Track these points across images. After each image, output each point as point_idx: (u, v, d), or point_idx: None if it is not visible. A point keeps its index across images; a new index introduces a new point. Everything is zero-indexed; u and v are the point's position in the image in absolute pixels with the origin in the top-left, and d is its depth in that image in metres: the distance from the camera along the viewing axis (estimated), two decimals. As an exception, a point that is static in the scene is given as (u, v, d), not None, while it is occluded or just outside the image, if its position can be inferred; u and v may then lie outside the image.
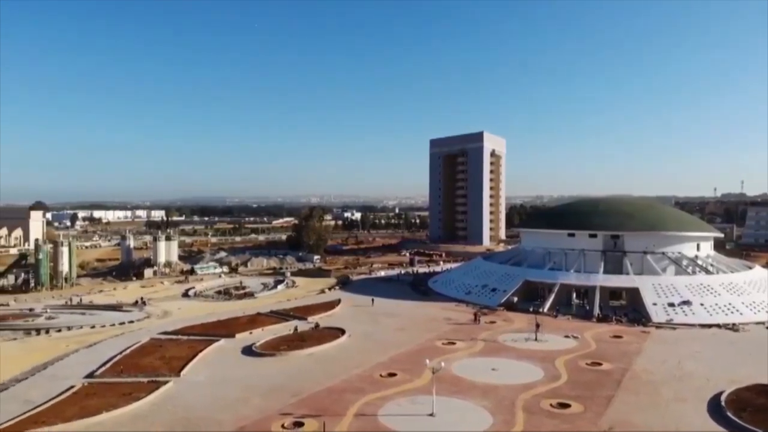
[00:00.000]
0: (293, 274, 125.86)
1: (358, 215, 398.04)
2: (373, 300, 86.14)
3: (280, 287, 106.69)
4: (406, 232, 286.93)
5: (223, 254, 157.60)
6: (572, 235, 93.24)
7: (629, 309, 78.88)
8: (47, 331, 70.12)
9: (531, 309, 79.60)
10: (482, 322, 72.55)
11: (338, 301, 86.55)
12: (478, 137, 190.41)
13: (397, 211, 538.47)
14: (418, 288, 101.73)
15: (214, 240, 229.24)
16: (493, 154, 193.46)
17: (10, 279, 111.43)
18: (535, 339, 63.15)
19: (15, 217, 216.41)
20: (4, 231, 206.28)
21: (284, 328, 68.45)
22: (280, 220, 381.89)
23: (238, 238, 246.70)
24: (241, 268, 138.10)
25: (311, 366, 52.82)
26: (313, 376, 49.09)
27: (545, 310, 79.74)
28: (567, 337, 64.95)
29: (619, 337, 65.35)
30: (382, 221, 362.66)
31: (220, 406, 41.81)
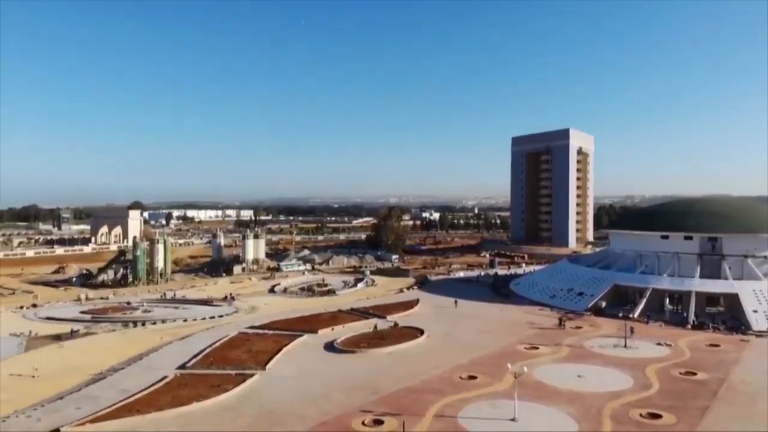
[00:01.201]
0: (372, 272, 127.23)
1: (436, 215, 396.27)
2: (456, 302, 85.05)
3: (360, 285, 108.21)
4: (486, 233, 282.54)
5: (306, 252, 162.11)
6: (666, 237, 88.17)
7: (727, 316, 73.83)
8: (143, 324, 74.79)
9: (620, 314, 76.01)
10: (567, 327, 70.10)
11: (417, 301, 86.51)
12: (564, 134, 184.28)
13: (476, 211, 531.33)
14: (499, 290, 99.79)
15: (298, 238, 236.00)
16: (580, 151, 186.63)
17: (110, 274, 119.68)
18: (625, 346, 60.17)
19: (115, 216, 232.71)
20: (105, 229, 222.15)
21: (364, 326, 69.28)
22: (360, 220, 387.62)
23: (320, 237, 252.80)
24: (323, 266, 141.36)
25: (390, 364, 53.06)
26: (392, 375, 49.28)
27: (635, 315, 75.92)
28: (659, 344, 61.53)
29: (716, 345, 61.13)
30: (461, 221, 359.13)
31: (303, 401, 42.84)
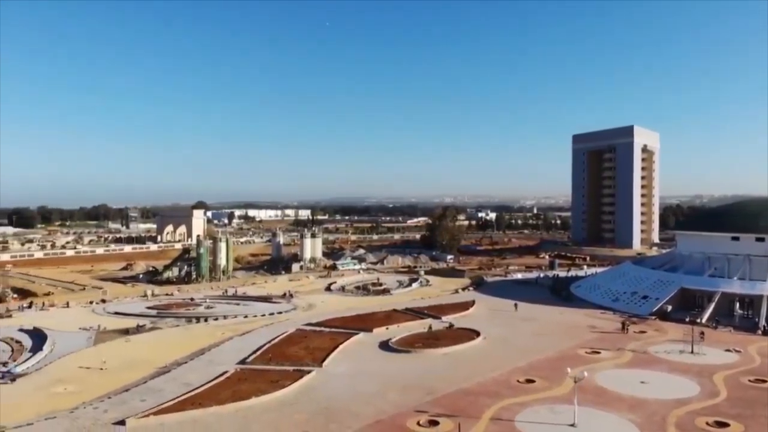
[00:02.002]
0: (427, 272, 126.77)
1: (493, 215, 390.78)
2: (516, 305, 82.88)
3: (414, 285, 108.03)
4: (545, 234, 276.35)
5: (361, 252, 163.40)
6: (736, 238, 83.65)
7: (803, 322, 69.22)
8: (206, 320, 77.24)
9: (687, 319, 72.65)
10: (631, 332, 67.53)
11: (472, 302, 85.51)
12: (628, 132, 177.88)
13: (535, 211, 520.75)
14: (559, 293, 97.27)
15: (353, 238, 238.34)
16: (644, 149, 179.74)
17: (175, 271, 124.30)
18: (692, 351, 57.45)
19: (180, 216, 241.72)
20: (171, 228, 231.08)
21: (419, 326, 69.06)
22: (414, 220, 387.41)
23: (375, 237, 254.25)
24: (377, 266, 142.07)
25: (446, 366, 52.64)
26: (447, 376, 48.88)
27: (703, 320, 72.41)
28: (728, 350, 58.49)
29: (790, 353, 57.44)
30: (519, 221, 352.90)
31: (358, 399, 43.08)
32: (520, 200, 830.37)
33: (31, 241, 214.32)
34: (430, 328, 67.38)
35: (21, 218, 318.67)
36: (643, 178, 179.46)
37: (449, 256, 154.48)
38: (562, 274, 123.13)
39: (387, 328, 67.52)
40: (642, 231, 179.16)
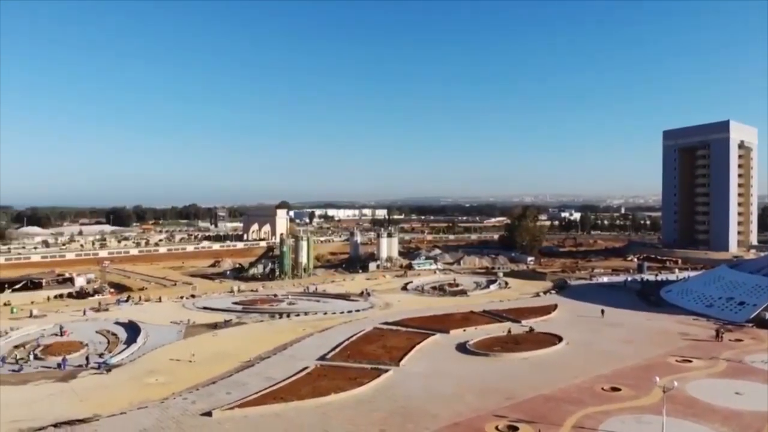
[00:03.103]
0: (505, 274, 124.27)
1: (576, 215, 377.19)
2: (603, 311, 78.44)
3: (492, 287, 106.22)
4: (634, 235, 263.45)
5: (437, 252, 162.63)
6: None
7: None
8: (288, 316, 79.66)
9: (792, 329, 67.01)
10: (725, 340, 63.12)
11: (554, 306, 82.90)
12: (723, 127, 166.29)
13: (622, 211, 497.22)
14: (648, 297, 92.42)
15: (429, 238, 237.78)
16: (741, 145, 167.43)
17: (259, 268, 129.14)
18: (798, 365, 52.87)
19: (264, 215, 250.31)
20: (256, 226, 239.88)
21: (497, 329, 67.82)
22: (492, 220, 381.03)
23: (451, 237, 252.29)
24: (454, 266, 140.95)
25: (526, 370, 51.38)
26: (527, 381, 47.69)
27: (812, 331, 66.48)
28: (838, 364, 53.32)
29: None
30: (605, 222, 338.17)
31: (435, 400, 42.88)
32: (606, 199, 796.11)
33: (126, 238, 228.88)
34: (510, 331, 66.00)
35: (117, 217, 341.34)
36: (740, 176, 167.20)
37: (529, 258, 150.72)
38: (651, 277, 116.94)
39: (464, 330, 66.78)
40: (739, 232, 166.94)
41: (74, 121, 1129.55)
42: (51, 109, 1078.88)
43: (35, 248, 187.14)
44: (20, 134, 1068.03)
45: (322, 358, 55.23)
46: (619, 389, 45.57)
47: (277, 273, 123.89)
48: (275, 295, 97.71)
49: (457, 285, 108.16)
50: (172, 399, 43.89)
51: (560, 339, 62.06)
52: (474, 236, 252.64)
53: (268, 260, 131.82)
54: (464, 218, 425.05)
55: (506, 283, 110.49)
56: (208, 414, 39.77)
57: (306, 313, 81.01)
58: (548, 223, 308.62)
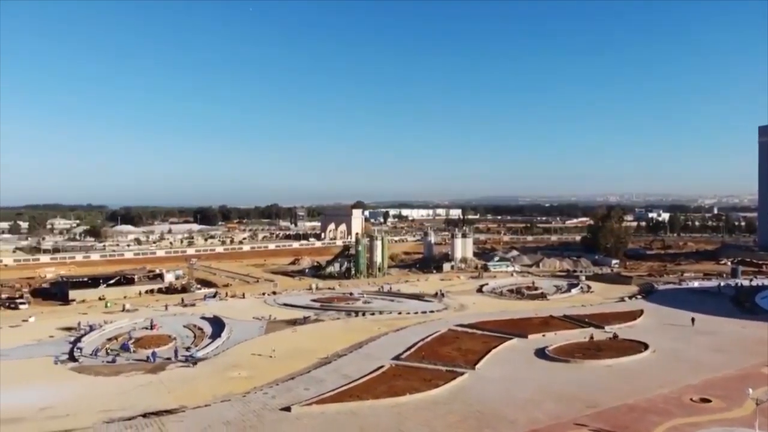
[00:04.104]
0: (588, 278, 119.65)
1: (665, 216, 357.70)
2: (693, 319, 73.20)
3: (573, 291, 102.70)
4: (727, 237, 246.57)
5: (515, 253, 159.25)
6: None
7: None
8: (363, 314, 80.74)
9: None
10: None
11: (640, 312, 78.91)
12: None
13: (715, 211, 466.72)
14: (742, 304, 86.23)
15: (506, 238, 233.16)
16: None
17: (336, 267, 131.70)
18: None
19: (341, 215, 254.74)
20: (333, 226, 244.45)
21: (579, 335, 65.47)
22: (574, 220, 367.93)
23: (529, 238, 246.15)
24: (532, 268, 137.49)
25: (609, 378, 49.27)
26: (610, 390, 45.71)
27: None
28: None
29: None
30: (696, 223, 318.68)
31: (512, 405, 42.01)
32: (697, 199, 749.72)
33: (212, 237, 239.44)
34: (592, 337, 63.50)
35: (204, 216, 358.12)
36: None
37: (614, 261, 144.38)
38: (746, 282, 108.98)
39: (543, 335, 64.91)
40: None
41: (167, 126, 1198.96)
42: (149, 117, 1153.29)
43: (128, 246, 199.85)
44: (119, 138, 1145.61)
45: (397, 357, 55.46)
46: (709, 400, 42.85)
47: (353, 272, 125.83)
48: (351, 294, 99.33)
49: (535, 288, 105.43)
50: (253, 393, 45.53)
51: (646, 346, 59.02)
52: (554, 237, 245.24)
53: (344, 259, 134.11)
54: (543, 218, 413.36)
55: (589, 287, 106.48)
56: (287, 409, 40.94)
57: (381, 312, 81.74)
58: (634, 224, 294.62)
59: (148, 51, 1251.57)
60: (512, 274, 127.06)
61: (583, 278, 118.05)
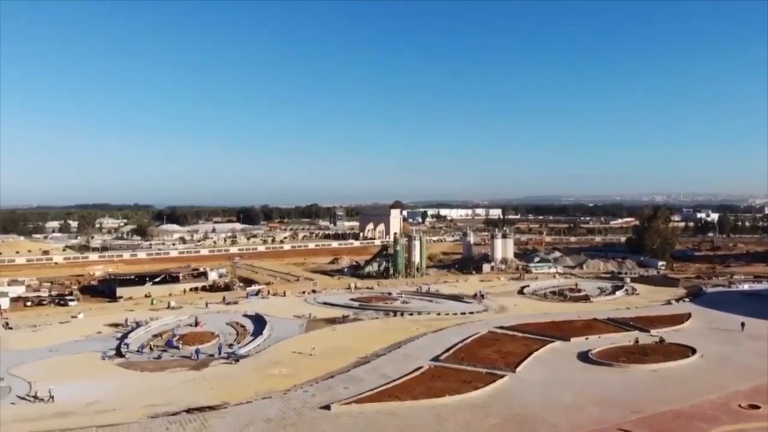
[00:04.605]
0: (633, 280, 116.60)
1: (714, 216, 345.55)
2: (743, 324, 69.95)
3: (618, 293, 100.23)
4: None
5: (557, 254, 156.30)
6: None
7: None
8: (402, 314, 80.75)
9: None
10: None
11: (688, 315, 76.44)
12: None
13: (766, 211, 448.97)
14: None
15: (548, 239, 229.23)
16: None
17: (374, 266, 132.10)
18: None
19: (379, 214, 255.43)
20: (371, 226, 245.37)
21: (623, 338, 63.83)
22: (619, 221, 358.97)
23: (572, 238, 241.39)
24: (575, 270, 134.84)
25: (654, 383, 47.91)
26: (656, 395, 44.47)
27: None
28: None
29: None
30: (746, 224, 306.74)
31: (553, 409, 41.30)
32: (748, 198, 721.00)
33: (254, 235, 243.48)
34: (637, 341, 61.85)
35: (247, 216, 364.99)
36: None
37: (660, 263, 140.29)
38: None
39: (587, 338, 63.53)
40: None
41: (212, 129, 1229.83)
42: (195, 121, 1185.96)
43: (173, 244, 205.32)
44: (166, 141, 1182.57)
45: (436, 358, 55.22)
46: (758, 407, 41.27)
47: (391, 272, 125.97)
48: (389, 294, 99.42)
49: (579, 290, 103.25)
50: (294, 391, 46.11)
51: (693, 351, 57.13)
52: (598, 238, 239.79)
53: (382, 259, 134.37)
54: (587, 219, 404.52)
55: (634, 290, 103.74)
56: (327, 407, 41.28)
57: (419, 313, 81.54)
58: (682, 224, 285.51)
59: (197, 57, 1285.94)
60: (555, 276, 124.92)
61: (628, 280, 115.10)
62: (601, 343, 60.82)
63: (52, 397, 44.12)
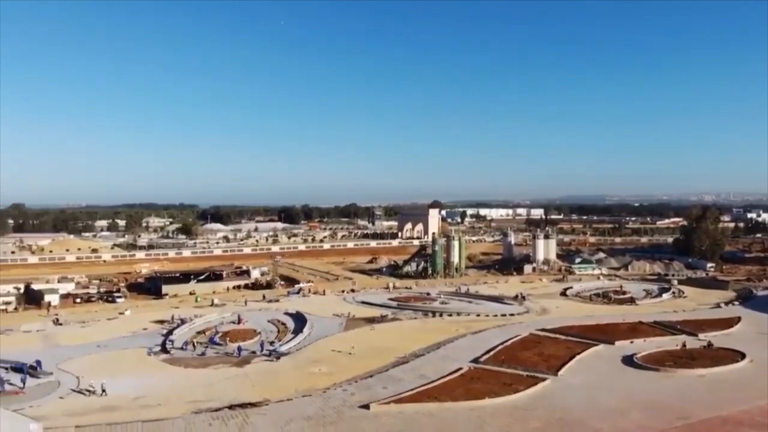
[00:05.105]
0: (680, 282, 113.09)
1: (765, 216, 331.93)
2: None
3: (665, 296, 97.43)
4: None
5: (601, 255, 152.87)
6: None
7: None
8: (440, 315, 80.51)
9: None
10: None
11: (738, 319, 73.69)
12: None
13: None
14: None
15: (592, 240, 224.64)
16: None
17: (413, 266, 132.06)
18: None
19: (417, 214, 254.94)
20: (409, 225, 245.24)
21: (670, 342, 62.06)
22: (666, 221, 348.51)
23: (617, 239, 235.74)
24: (620, 271, 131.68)
25: (701, 389, 46.44)
26: (703, 400, 43.11)
27: None
28: None
29: None
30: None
31: (596, 414, 40.49)
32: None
33: (295, 235, 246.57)
34: (684, 345, 59.97)
35: (288, 215, 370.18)
36: None
37: (709, 264, 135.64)
38: None
39: (632, 342, 61.94)
40: None
41: (255, 131, 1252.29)
42: (240, 123, 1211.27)
43: (217, 243, 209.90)
44: (212, 141, 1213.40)
45: (476, 360, 54.79)
46: (812, 416, 39.42)
47: (430, 272, 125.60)
48: (428, 294, 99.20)
49: (623, 292, 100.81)
50: (333, 389, 46.55)
51: (743, 356, 55.06)
52: (644, 239, 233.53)
53: (420, 258, 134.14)
54: (633, 219, 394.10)
55: (681, 292, 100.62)
56: (366, 407, 41.52)
57: (458, 314, 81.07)
58: (731, 225, 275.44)
59: (241, 58, 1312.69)
60: (599, 278, 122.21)
61: (676, 282, 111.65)
62: (647, 347, 59.22)
63: (104, 391, 45.72)
